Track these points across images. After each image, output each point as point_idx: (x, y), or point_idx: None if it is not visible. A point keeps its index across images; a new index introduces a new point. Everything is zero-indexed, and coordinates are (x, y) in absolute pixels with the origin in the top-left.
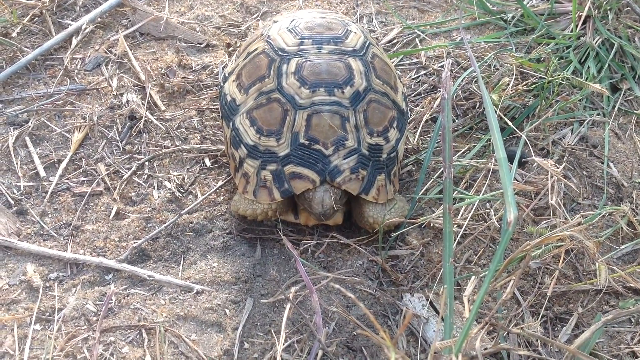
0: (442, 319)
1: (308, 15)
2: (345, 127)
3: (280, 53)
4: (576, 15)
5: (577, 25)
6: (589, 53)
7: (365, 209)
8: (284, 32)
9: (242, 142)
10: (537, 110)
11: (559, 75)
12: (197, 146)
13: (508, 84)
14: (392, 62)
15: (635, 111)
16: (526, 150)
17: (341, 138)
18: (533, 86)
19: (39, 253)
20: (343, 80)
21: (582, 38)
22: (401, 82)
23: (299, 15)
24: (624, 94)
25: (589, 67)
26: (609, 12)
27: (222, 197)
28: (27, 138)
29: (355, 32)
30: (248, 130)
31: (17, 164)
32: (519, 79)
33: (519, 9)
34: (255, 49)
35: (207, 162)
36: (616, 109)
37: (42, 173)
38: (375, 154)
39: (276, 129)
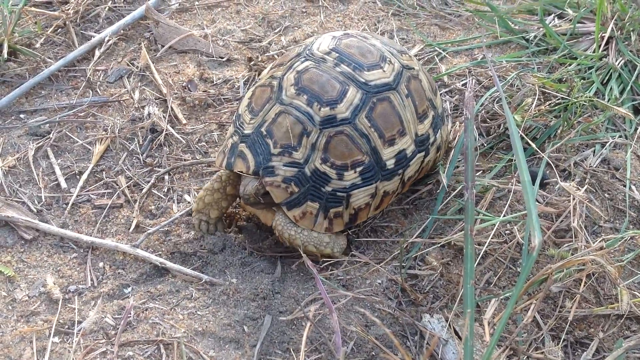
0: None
1: (361, 36)
2: (301, 140)
3: (307, 52)
4: (599, 36)
5: (599, 46)
6: (611, 74)
7: (277, 216)
8: (328, 40)
9: (239, 107)
10: (559, 131)
11: (582, 96)
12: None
13: (531, 105)
14: None
15: None
16: (547, 172)
17: (291, 146)
18: (555, 107)
19: (59, 234)
20: (328, 99)
21: (604, 59)
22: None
23: (358, 33)
24: None
25: (611, 88)
26: (631, 33)
27: (242, 212)
28: (48, 149)
29: (385, 71)
30: (246, 100)
31: (38, 174)
32: (542, 99)
33: (541, 29)
34: (305, 43)
35: None
36: (639, 131)
37: (63, 184)
38: (317, 181)
39: (257, 109)
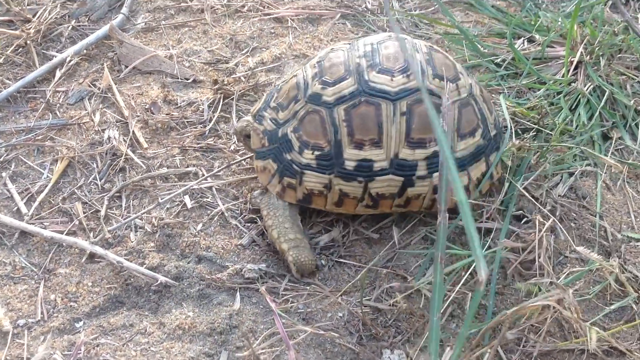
0: None
1: (415, 45)
2: (290, 104)
3: (360, 40)
4: (568, 60)
5: (568, 71)
6: (579, 100)
7: (257, 191)
8: (385, 35)
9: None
10: (533, 162)
11: (558, 123)
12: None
13: (513, 140)
14: None
15: (626, 161)
16: (526, 205)
17: (282, 106)
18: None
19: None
20: (325, 79)
21: (573, 84)
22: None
23: (425, 44)
24: (614, 143)
25: (579, 114)
26: (601, 57)
27: (202, 241)
28: (4, 174)
29: (392, 80)
30: None
31: None
32: (519, 131)
33: (510, 52)
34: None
35: (188, 203)
36: (607, 158)
37: (17, 211)
38: (283, 145)
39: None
